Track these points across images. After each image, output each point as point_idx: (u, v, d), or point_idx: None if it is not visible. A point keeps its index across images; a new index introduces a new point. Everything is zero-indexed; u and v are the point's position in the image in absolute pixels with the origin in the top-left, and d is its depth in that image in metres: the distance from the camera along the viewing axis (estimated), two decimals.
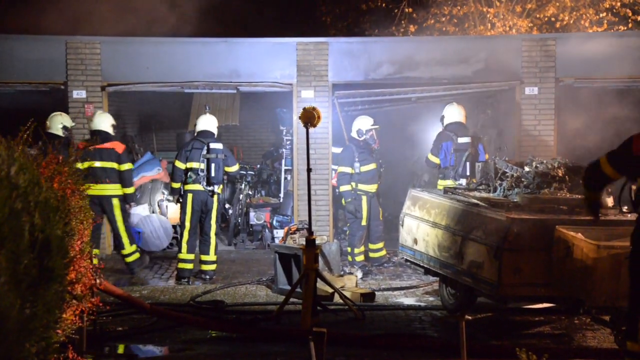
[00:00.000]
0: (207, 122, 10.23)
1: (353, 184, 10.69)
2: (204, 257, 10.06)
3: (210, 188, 9.95)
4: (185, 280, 9.89)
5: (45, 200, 4.12)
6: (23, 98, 12.16)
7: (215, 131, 10.23)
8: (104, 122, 10.26)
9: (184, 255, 9.99)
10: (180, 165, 10.05)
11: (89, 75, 11.56)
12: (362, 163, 10.70)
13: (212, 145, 10.01)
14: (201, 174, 9.94)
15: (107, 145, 10.14)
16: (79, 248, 5.38)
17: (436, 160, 10.74)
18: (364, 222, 10.74)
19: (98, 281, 6.04)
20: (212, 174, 9.92)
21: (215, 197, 10.04)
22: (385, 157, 11.61)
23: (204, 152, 9.98)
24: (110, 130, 10.25)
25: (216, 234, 10.16)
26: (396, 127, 12.74)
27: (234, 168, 10.38)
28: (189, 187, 10.00)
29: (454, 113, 10.80)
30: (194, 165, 9.97)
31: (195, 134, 10.26)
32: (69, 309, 5.15)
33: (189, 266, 10.00)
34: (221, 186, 10.22)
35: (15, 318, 3.63)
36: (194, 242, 10.10)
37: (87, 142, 10.10)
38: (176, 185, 10.14)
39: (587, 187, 5.70)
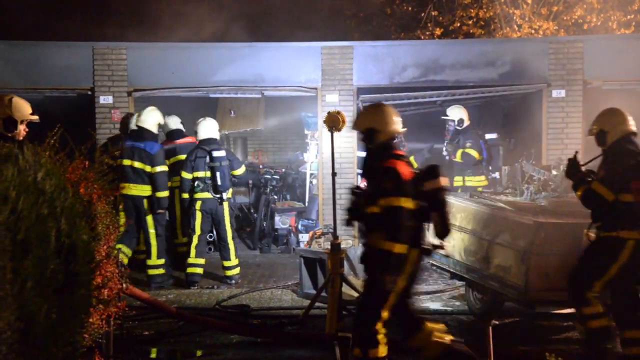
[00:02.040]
0: (208, 129, 10.09)
1: None
2: (226, 263, 10.04)
3: (218, 196, 9.91)
4: (195, 286, 9.87)
5: (71, 206, 4.15)
6: (50, 104, 12.28)
7: (217, 136, 10.16)
8: (175, 121, 11.16)
9: (192, 259, 9.93)
10: (187, 176, 9.96)
11: (116, 81, 11.65)
12: None
13: (215, 154, 9.90)
14: (208, 182, 9.89)
15: (186, 140, 11.00)
16: (105, 253, 5.41)
17: (476, 155, 11.10)
18: None
19: (124, 285, 6.07)
20: (219, 182, 9.83)
21: (225, 203, 9.96)
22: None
23: (208, 160, 9.91)
24: (182, 127, 11.18)
25: (233, 238, 10.11)
26: (424, 130, 12.68)
27: (240, 171, 10.32)
28: (197, 195, 9.92)
29: (466, 114, 11.36)
30: (200, 174, 9.90)
31: (198, 142, 10.15)
32: (96, 314, 5.18)
33: (199, 270, 9.97)
34: (230, 191, 10.14)
35: (42, 323, 3.65)
36: (204, 247, 10.11)
37: (167, 141, 11.04)
38: (185, 195, 10.04)
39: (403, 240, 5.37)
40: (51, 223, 3.85)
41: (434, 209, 5.50)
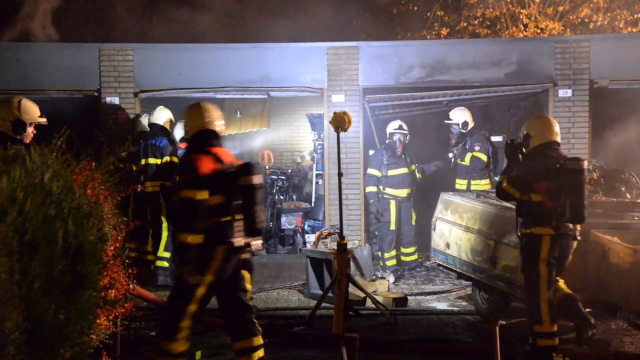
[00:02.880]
0: None
1: (381, 187, 10.67)
2: None
3: None
4: None
5: (78, 207, 4.15)
6: (57, 105, 12.31)
7: None
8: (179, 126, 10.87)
9: None
10: None
11: (122, 82, 11.66)
12: (390, 167, 10.67)
13: None
14: None
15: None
16: (112, 253, 5.41)
17: (485, 158, 10.85)
18: (392, 227, 10.68)
19: (131, 286, 6.08)
20: None
21: None
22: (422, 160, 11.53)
23: None
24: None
25: None
26: (430, 130, 12.66)
27: None
28: None
29: (470, 116, 11.10)
30: None
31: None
32: (103, 314, 5.19)
33: None
34: None
35: (50, 323, 3.66)
36: None
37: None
38: None
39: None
40: (58, 224, 3.86)
41: (246, 205, 5.57)
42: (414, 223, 10.89)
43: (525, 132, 6.79)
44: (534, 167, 6.53)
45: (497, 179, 10.66)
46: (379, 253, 10.88)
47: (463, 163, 11.00)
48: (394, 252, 10.84)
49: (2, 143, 5.57)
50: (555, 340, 6.46)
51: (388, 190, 10.69)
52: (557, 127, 6.75)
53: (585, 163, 6.56)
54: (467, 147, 10.98)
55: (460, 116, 11.11)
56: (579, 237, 6.58)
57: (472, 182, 10.83)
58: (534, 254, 6.45)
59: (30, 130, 6.35)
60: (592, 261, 7.43)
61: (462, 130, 11.06)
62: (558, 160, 6.51)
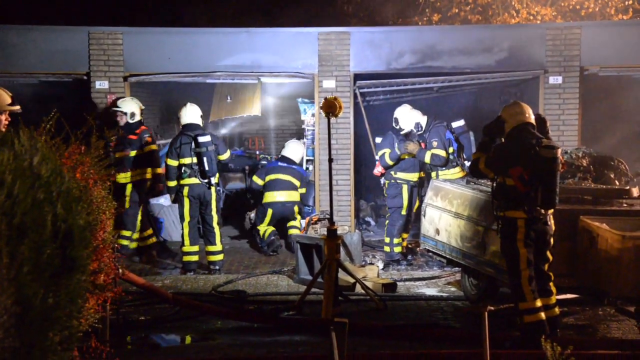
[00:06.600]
0: (191, 115, 10.01)
1: (392, 172, 10.44)
2: (210, 248, 9.95)
3: (206, 181, 9.81)
4: (192, 272, 9.87)
5: (67, 191, 4.13)
6: (46, 89, 12.25)
7: (200, 122, 10.07)
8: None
9: (187, 247, 9.89)
10: (172, 163, 9.86)
11: (112, 66, 11.60)
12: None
13: (201, 139, 9.78)
14: (195, 168, 9.79)
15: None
16: (101, 238, 5.40)
17: (444, 154, 10.25)
18: (404, 212, 10.47)
19: (120, 271, 6.07)
20: (206, 167, 9.72)
21: (213, 188, 9.88)
22: None
23: (193, 146, 9.80)
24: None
25: (218, 224, 10.02)
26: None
27: (226, 156, 10.20)
28: (184, 181, 9.82)
29: (415, 114, 10.48)
30: (186, 161, 9.80)
31: (181, 128, 10.07)
32: (92, 299, 5.18)
33: (195, 258, 9.94)
34: (217, 175, 10.05)
35: (39, 307, 3.65)
36: (196, 233, 10.00)
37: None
38: (172, 183, 9.92)
39: None
40: (47, 208, 3.84)
41: None
42: (414, 210, 10.68)
43: (499, 114, 6.92)
44: (510, 151, 6.67)
45: (468, 164, 10.36)
46: (386, 239, 10.54)
47: (425, 161, 10.35)
48: (401, 239, 10.60)
49: None
50: (540, 315, 6.53)
51: (400, 175, 10.49)
52: (530, 112, 6.86)
53: (559, 151, 6.71)
54: (427, 145, 10.30)
55: (407, 122, 10.42)
56: (549, 223, 6.70)
57: (440, 172, 10.30)
58: (512, 235, 6.60)
59: (2, 117, 6.22)
60: (581, 247, 7.48)
61: (418, 132, 10.41)
62: (533, 145, 6.59)
